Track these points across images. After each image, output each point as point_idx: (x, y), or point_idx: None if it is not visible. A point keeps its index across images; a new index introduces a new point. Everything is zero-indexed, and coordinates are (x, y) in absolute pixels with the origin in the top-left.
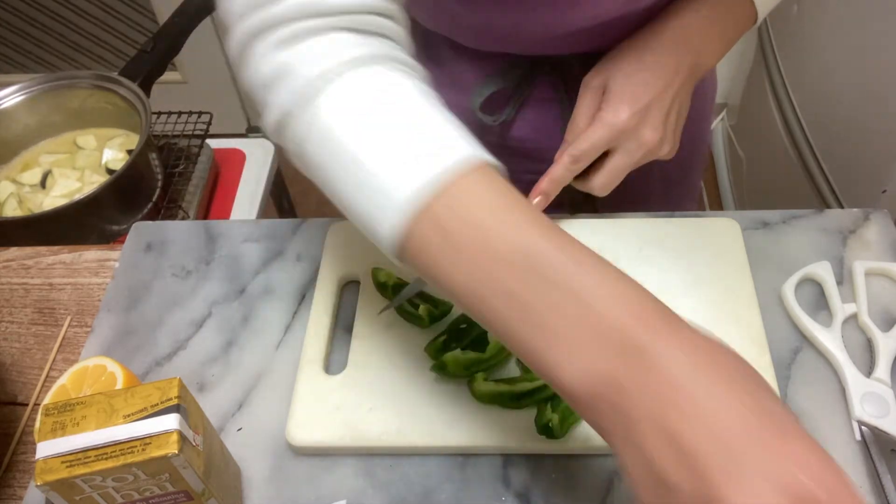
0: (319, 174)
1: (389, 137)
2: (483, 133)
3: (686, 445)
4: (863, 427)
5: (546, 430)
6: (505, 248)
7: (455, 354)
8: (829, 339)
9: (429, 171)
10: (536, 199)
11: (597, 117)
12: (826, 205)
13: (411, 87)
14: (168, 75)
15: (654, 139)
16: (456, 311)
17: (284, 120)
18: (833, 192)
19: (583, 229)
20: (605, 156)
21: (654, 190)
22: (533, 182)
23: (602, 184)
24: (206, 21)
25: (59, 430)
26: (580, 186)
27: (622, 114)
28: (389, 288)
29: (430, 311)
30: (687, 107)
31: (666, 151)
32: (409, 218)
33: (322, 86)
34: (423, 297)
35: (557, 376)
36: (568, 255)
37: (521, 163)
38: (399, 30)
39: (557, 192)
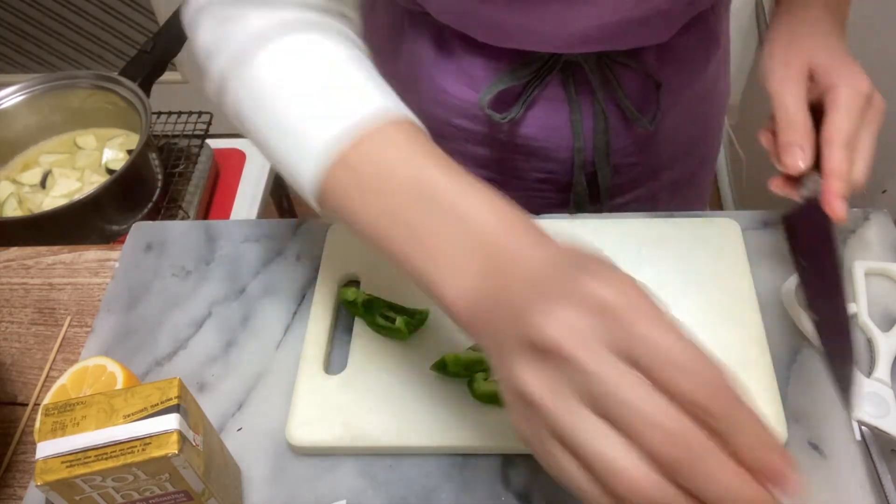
0: (252, 132)
1: (312, 93)
2: (492, 129)
3: (517, 300)
4: (863, 427)
5: None
6: (405, 182)
7: (455, 354)
8: None
9: (345, 121)
10: (837, 204)
11: (835, 95)
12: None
13: (342, 51)
14: (168, 75)
15: (881, 101)
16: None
17: (223, 84)
18: None
19: (583, 229)
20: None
21: (662, 195)
22: (539, 180)
23: (863, 169)
24: None
25: (59, 430)
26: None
27: (860, 77)
28: (359, 305)
29: (408, 321)
30: None
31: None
32: (326, 165)
33: (256, 50)
34: (396, 309)
35: (442, 294)
36: (457, 183)
37: (528, 161)
38: (350, 26)
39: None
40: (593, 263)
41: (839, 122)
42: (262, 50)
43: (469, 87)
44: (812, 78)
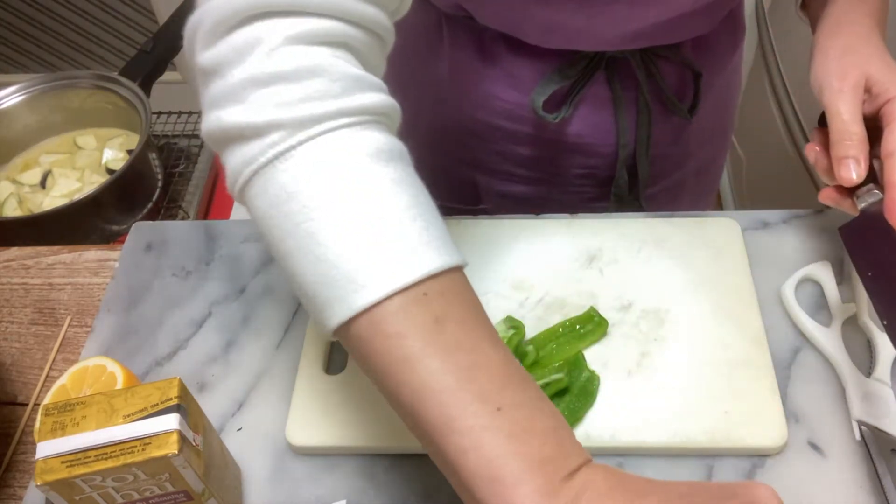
0: (271, 231)
1: (354, 227)
2: (538, 130)
3: None
4: (863, 427)
5: None
6: (492, 353)
7: None
8: (829, 339)
9: (386, 284)
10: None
11: (888, 109)
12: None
13: (383, 174)
14: (168, 75)
15: None
16: None
17: (242, 170)
18: None
19: (583, 230)
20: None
21: (688, 182)
22: (583, 176)
23: None
24: None
25: (59, 430)
26: None
27: None
28: None
29: None
30: None
31: None
32: (356, 320)
33: (284, 150)
34: None
35: (512, 497)
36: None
37: (574, 158)
38: (370, 44)
39: None
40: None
41: None
42: (293, 150)
43: (515, 89)
44: (869, 90)
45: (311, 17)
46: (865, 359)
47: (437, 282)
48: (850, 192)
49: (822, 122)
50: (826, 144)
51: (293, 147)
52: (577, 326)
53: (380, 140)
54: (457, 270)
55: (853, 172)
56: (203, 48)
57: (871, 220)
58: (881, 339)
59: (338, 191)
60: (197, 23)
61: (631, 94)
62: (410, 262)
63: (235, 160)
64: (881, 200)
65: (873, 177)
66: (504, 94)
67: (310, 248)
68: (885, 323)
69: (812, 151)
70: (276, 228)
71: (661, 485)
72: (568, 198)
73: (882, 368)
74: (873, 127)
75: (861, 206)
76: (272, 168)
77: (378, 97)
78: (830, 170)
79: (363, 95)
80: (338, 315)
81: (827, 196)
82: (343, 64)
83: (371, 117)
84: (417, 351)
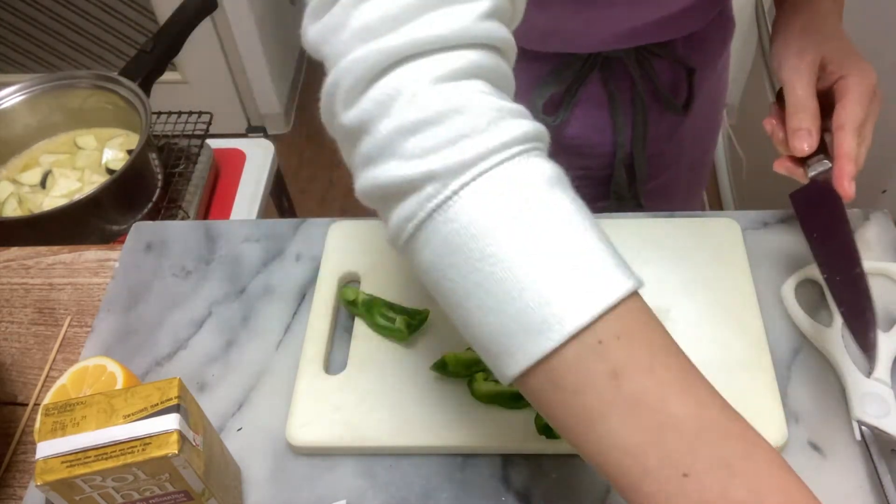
0: (440, 284)
1: (545, 269)
2: None
3: None
4: (863, 427)
5: (546, 430)
6: (682, 406)
7: (455, 354)
8: (829, 339)
9: (578, 318)
10: (847, 183)
11: (847, 84)
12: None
13: (563, 199)
14: (168, 75)
15: (880, 95)
16: None
17: (405, 226)
18: None
19: None
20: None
21: (683, 177)
22: (581, 177)
23: (865, 153)
24: (206, 21)
25: (59, 430)
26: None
27: (869, 69)
28: (359, 305)
29: (408, 321)
30: None
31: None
32: (533, 371)
33: (458, 186)
34: (396, 309)
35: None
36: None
37: (571, 159)
38: (499, 64)
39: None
40: None
41: (850, 109)
42: (466, 187)
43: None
44: (823, 68)
45: (444, 52)
46: (865, 359)
47: (616, 317)
48: (803, 162)
49: (780, 97)
50: (783, 119)
51: (449, 198)
52: None
53: (544, 168)
54: (637, 296)
55: (805, 143)
56: (345, 108)
57: (820, 187)
58: (881, 339)
59: (514, 222)
60: (334, 85)
61: (626, 93)
62: (602, 286)
63: (397, 217)
64: (830, 170)
65: (824, 148)
66: None
67: (488, 290)
68: (825, 277)
69: (769, 124)
70: (445, 280)
71: None
72: None
73: (882, 368)
74: (826, 103)
75: (811, 174)
76: (431, 221)
77: (526, 123)
78: (786, 141)
79: (512, 123)
80: (515, 365)
81: (781, 165)
82: (484, 97)
83: (527, 146)
84: (596, 407)
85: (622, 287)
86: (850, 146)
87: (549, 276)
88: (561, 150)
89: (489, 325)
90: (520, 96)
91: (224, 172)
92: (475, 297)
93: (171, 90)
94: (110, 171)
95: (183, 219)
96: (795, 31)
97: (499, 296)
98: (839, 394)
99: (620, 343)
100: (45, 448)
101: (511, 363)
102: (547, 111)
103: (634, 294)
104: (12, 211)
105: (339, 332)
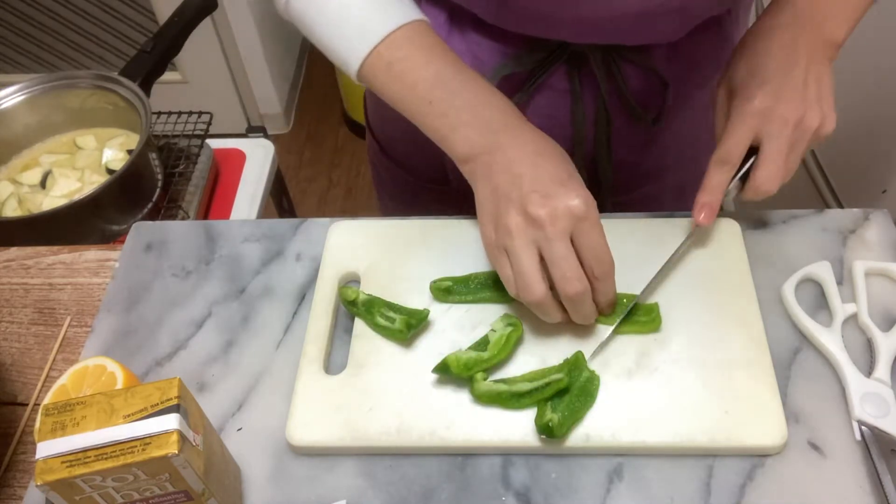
0: (309, 28)
1: (363, 6)
2: None
3: (514, 171)
4: (863, 427)
5: (546, 430)
6: (425, 73)
7: (456, 354)
8: (829, 339)
9: (382, 28)
10: (703, 214)
11: (730, 112)
12: (826, 205)
13: None
14: (168, 75)
15: (796, 114)
16: (466, 271)
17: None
18: (833, 192)
19: None
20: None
21: (666, 197)
22: None
23: (765, 177)
24: (206, 21)
25: (59, 430)
26: (750, 196)
27: (752, 98)
28: (359, 305)
29: (407, 321)
30: (829, 80)
31: (820, 124)
32: (366, 58)
33: None
34: (396, 309)
35: (452, 145)
36: (462, 76)
37: None
38: None
39: (720, 201)
40: (568, 179)
41: (724, 141)
42: None
43: (475, 68)
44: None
45: None
46: (865, 359)
47: (395, 35)
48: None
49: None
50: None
51: None
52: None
53: None
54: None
55: (704, 217)
56: None
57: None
58: (881, 339)
59: None
60: None
61: (591, 92)
62: (379, 21)
63: None
64: (737, 187)
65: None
66: None
67: (332, 24)
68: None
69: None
70: (306, 18)
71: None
72: None
73: (882, 368)
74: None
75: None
76: None
77: None
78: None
79: None
80: (350, 69)
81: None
82: None
83: None
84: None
85: (405, 18)
86: (710, 179)
87: (365, 9)
88: None
89: (332, 44)
90: (478, 70)
91: (224, 172)
92: (324, 26)
93: (171, 90)
94: (110, 171)
95: (183, 219)
96: (736, 53)
97: (334, 24)
98: (839, 394)
99: (402, 49)
100: (45, 448)
101: (349, 70)
102: (506, 91)
103: (418, 23)
104: (12, 211)
105: (339, 332)
